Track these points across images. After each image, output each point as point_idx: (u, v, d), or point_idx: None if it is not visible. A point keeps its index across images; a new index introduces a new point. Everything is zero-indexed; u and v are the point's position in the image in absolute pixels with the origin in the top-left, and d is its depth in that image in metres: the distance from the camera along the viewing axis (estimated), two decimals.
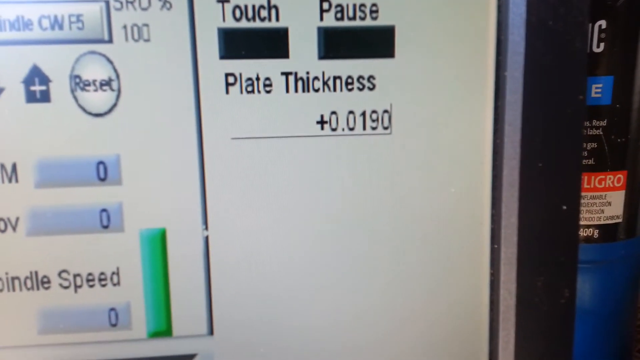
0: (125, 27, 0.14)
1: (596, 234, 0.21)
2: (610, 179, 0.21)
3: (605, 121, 0.20)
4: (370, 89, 0.15)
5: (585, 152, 0.21)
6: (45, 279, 0.15)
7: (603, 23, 0.20)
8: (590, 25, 0.19)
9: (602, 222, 0.21)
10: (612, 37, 0.19)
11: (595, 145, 0.21)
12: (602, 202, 0.21)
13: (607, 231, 0.21)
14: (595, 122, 0.20)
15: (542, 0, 0.14)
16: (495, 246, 0.15)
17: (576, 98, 0.14)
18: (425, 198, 0.15)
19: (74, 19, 0.14)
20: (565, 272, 0.15)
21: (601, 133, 0.21)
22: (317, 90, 0.15)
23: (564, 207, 0.14)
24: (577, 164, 0.14)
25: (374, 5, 0.14)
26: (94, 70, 0.14)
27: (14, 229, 0.15)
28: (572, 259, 0.15)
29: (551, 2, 0.14)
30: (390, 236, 0.16)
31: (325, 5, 0.14)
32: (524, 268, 0.15)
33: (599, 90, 0.20)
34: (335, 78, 0.15)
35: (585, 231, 0.21)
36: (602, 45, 0.20)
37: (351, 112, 0.15)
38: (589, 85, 0.20)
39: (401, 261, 0.16)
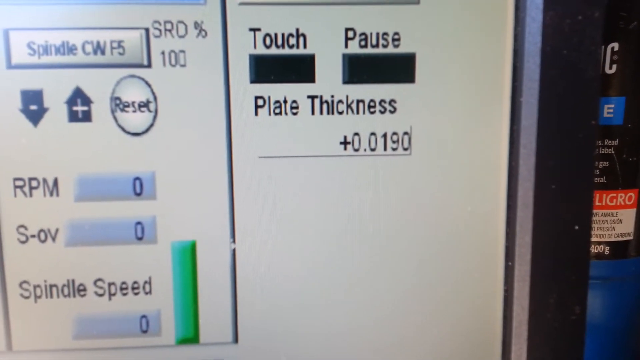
0: (163, 52, 0.15)
1: (607, 250, 0.22)
2: (621, 197, 0.21)
3: (617, 141, 0.21)
4: (392, 112, 0.16)
5: (597, 171, 0.21)
6: (81, 287, 0.16)
7: (615, 45, 0.20)
8: (603, 47, 0.20)
9: (613, 239, 0.22)
10: (624, 59, 0.20)
11: (607, 164, 0.21)
12: (613, 219, 0.22)
13: (618, 248, 0.22)
14: (607, 142, 0.21)
15: (557, 30, 0.14)
16: (510, 263, 0.16)
17: (589, 123, 0.15)
18: (443, 216, 0.16)
19: (115, 44, 0.15)
20: (576, 289, 0.15)
21: (613, 152, 0.21)
22: (341, 113, 0.16)
23: (576, 227, 0.15)
24: (589, 186, 0.15)
25: (396, 34, 0.15)
26: (133, 93, 0.15)
27: (54, 239, 0.16)
28: (583, 277, 0.15)
29: (565, 32, 0.14)
30: (408, 252, 0.16)
31: (350, 34, 0.15)
32: (537, 285, 0.15)
33: (611, 110, 0.21)
34: (358, 101, 0.16)
35: (597, 248, 0.22)
36: (614, 66, 0.20)
37: (373, 133, 0.16)
38: (602, 106, 0.21)
39: (417, 276, 0.16)
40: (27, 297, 0.16)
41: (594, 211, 0.21)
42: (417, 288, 0.16)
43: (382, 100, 0.16)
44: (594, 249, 0.22)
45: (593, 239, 0.22)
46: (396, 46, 0.15)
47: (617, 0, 0.19)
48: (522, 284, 0.15)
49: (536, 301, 0.15)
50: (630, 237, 0.22)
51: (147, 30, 0.15)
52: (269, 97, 0.15)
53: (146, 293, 0.16)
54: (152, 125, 0.15)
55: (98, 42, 0.15)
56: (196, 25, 0.15)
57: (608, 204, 0.21)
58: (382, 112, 0.16)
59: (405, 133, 0.16)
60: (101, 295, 0.16)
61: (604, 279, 0.22)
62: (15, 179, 0.15)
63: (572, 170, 0.15)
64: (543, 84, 0.15)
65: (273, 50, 0.15)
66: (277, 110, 0.15)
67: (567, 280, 0.15)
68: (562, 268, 0.15)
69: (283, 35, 0.15)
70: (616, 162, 0.21)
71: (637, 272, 0.22)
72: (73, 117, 0.15)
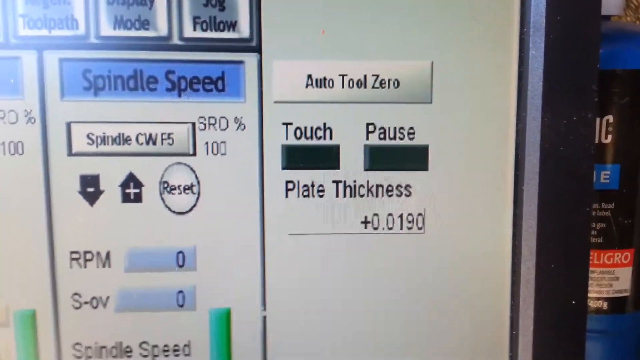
0: (207, 143, 0.17)
1: (605, 306, 0.23)
2: (618, 256, 0.23)
3: (613, 204, 0.22)
4: (407, 196, 0.18)
5: (595, 232, 0.23)
6: (128, 349, 0.18)
7: (610, 118, 0.22)
8: (599, 119, 0.22)
9: (611, 295, 0.23)
10: (618, 130, 0.22)
11: (604, 226, 0.23)
12: (611, 277, 0.23)
13: (616, 304, 0.23)
14: (604, 205, 0.22)
15: (554, 129, 0.16)
16: (514, 333, 0.18)
17: (584, 210, 0.17)
18: (453, 288, 0.18)
19: (165, 136, 0.17)
20: (574, 358, 0.17)
21: (609, 215, 0.23)
22: (362, 196, 0.17)
23: (573, 302, 0.17)
24: (585, 266, 0.17)
25: (411, 128, 0.17)
26: (180, 178, 0.17)
27: (105, 306, 0.17)
28: (580, 348, 0.17)
29: (562, 131, 0.16)
30: (422, 321, 0.18)
31: (371, 128, 0.17)
32: (539, 354, 0.17)
33: (607, 176, 0.22)
34: (377, 186, 0.17)
35: (595, 303, 0.23)
36: (609, 137, 0.22)
37: (390, 214, 0.18)
38: (599, 172, 0.22)
39: (428, 344, 0.18)
40: (79, 358, 0.17)
41: (593, 269, 0.23)
42: (427, 356, 0.18)
43: (399, 185, 0.17)
44: (593, 304, 0.23)
45: (592, 295, 0.23)
46: (411, 139, 0.17)
47: (611, 78, 0.21)
48: (526, 353, 0.17)
49: None
50: (627, 294, 0.23)
51: (193, 124, 0.17)
52: (298, 182, 0.17)
53: (185, 355, 0.18)
54: (194, 205, 0.17)
55: (150, 134, 0.17)
56: (236, 120, 0.17)
57: (605, 262, 0.23)
58: (398, 196, 0.17)
59: (420, 214, 0.18)
60: (145, 356, 0.18)
61: (603, 332, 0.23)
62: (72, 252, 0.17)
63: (569, 252, 0.17)
64: (542, 176, 0.16)
65: (303, 141, 0.17)
66: (306, 193, 0.17)
67: (565, 351, 0.17)
68: (561, 339, 0.17)
69: (312, 128, 0.17)
70: (612, 223, 0.23)
71: (634, 327, 0.23)
72: (126, 198, 0.17)
